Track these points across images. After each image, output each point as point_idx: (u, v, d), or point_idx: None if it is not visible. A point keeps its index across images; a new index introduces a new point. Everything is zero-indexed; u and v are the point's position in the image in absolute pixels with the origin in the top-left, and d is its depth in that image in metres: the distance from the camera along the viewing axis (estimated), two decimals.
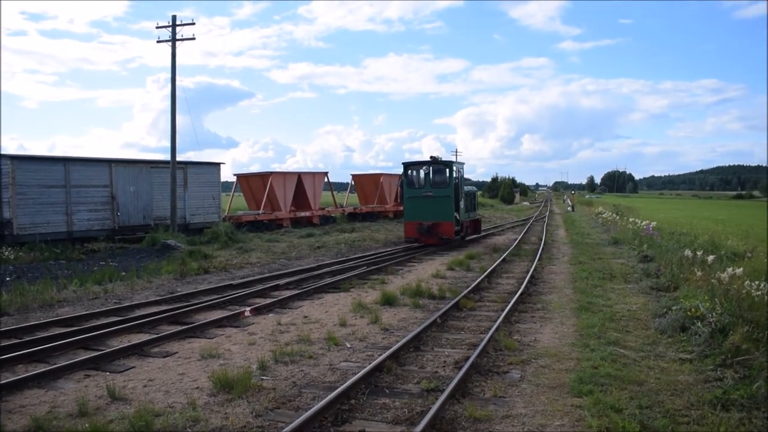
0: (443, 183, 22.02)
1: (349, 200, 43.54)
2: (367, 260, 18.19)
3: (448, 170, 22.05)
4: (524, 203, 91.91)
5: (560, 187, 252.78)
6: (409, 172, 22.43)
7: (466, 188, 24.33)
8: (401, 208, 42.14)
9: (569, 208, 60.94)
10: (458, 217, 22.46)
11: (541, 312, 11.06)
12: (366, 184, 41.78)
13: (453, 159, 23.61)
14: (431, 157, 22.38)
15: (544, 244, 22.97)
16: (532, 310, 11.26)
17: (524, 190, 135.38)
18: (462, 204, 22.83)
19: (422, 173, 22.29)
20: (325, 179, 36.24)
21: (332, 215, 35.75)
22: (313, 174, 35.09)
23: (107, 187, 23.02)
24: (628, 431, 5.78)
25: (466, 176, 24.55)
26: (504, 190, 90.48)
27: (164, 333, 9.46)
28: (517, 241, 24.48)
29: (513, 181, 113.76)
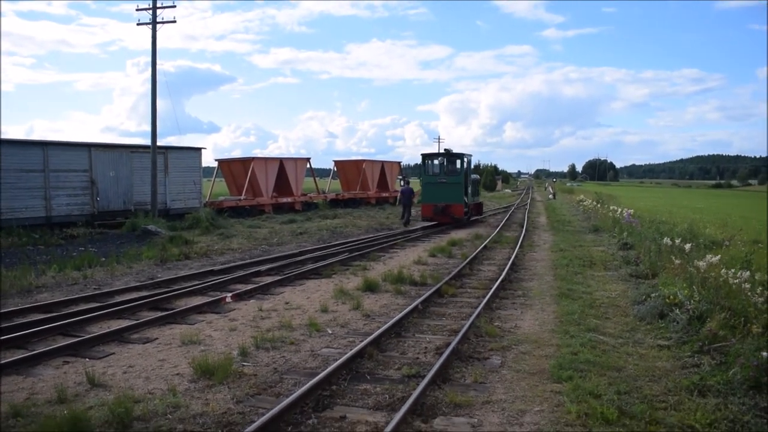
0: (455, 171, 25.48)
1: (332, 186, 43.46)
2: (349, 246, 18.21)
3: (459, 161, 25.55)
4: (506, 191, 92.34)
5: (542, 175, 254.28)
6: (427, 161, 26.02)
7: (472, 176, 27.69)
8: (384, 194, 42.42)
9: (551, 196, 61.35)
10: (466, 201, 25.92)
11: (522, 299, 11.13)
12: (349, 170, 41.68)
13: (464, 151, 26.49)
14: (445, 149, 26.57)
15: (525, 231, 23.13)
16: (513, 296, 11.33)
17: (506, 177, 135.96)
18: (469, 189, 26.41)
19: (438, 163, 25.88)
20: (308, 165, 36.09)
21: (314, 201, 35.68)
22: (296, 160, 34.91)
23: (87, 171, 22.70)
24: (606, 417, 5.85)
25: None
26: (486, 177, 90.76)
27: (144, 319, 9.38)
28: (498, 228, 24.67)
29: (495, 168, 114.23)
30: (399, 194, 30.27)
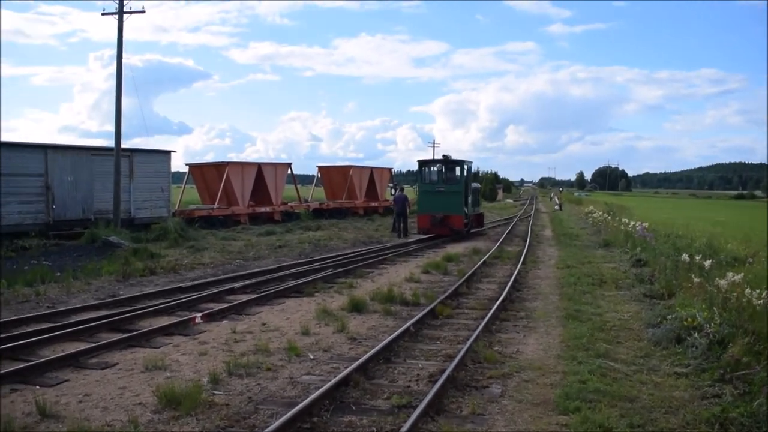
0: (454, 179, 26.25)
1: (315, 195, 43.48)
2: (334, 262, 18.22)
3: (458, 168, 26.32)
4: (507, 201, 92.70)
5: (547, 184, 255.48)
6: (424, 168, 26.84)
7: (473, 185, 28.37)
8: (373, 204, 42.47)
9: (557, 207, 61.62)
10: (467, 211, 26.59)
11: (525, 320, 11.15)
12: (334, 177, 41.77)
13: (462, 157, 27.22)
14: (444, 155, 27.23)
15: (528, 246, 23.26)
16: (515, 318, 11.35)
17: (508, 186, 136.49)
18: (470, 199, 27.04)
19: (435, 170, 26.62)
20: (288, 171, 36.09)
21: (296, 211, 35.66)
22: (275, 165, 34.88)
23: (42, 176, 22.54)
24: None
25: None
26: (486, 185, 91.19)
27: (103, 342, 9.28)
28: (499, 242, 24.79)
29: (495, 176, 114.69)
30: (392, 203, 30.32)
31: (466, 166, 26.70)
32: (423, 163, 27.06)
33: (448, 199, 25.87)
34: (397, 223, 28.39)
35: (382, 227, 32.29)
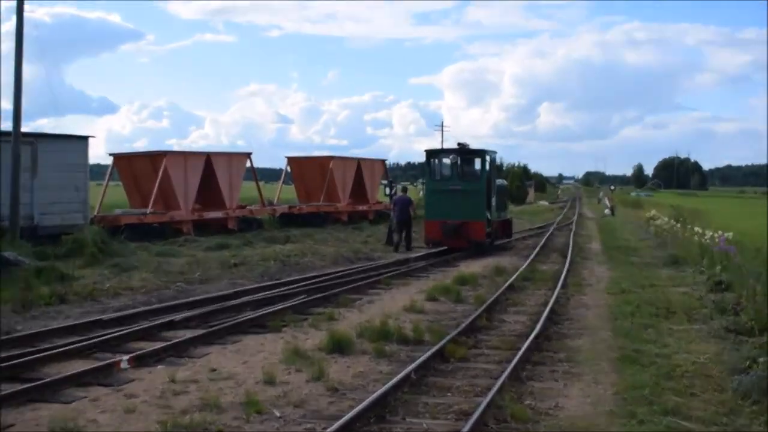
0: (473, 175, 27.02)
1: (283, 195, 43.48)
2: (308, 285, 18.25)
3: (479, 160, 26.99)
4: (541, 203, 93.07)
5: (594, 181, 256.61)
6: (433, 161, 27.58)
7: (497, 182, 28.88)
8: (361, 207, 42.49)
9: (607, 211, 61.84)
10: (489, 217, 27.13)
11: (566, 364, 11.16)
12: (308, 171, 41.96)
13: (482, 146, 28.20)
14: (459, 144, 27.62)
15: (570, 264, 23.41)
16: (553, 361, 11.35)
17: (541, 183, 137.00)
18: (493, 201, 27.55)
19: (449, 162, 27.29)
20: (248, 163, 36.07)
21: (257, 217, 35.62)
22: (230, 156, 34.85)
23: None
24: None
25: None
26: (512, 183, 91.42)
27: None
28: (531, 258, 24.95)
29: (525, 170, 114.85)
30: (391, 206, 30.44)
31: (488, 158, 27.08)
32: (432, 154, 27.62)
33: (466, 201, 26.29)
34: (398, 233, 28.59)
35: (373, 238, 32.37)
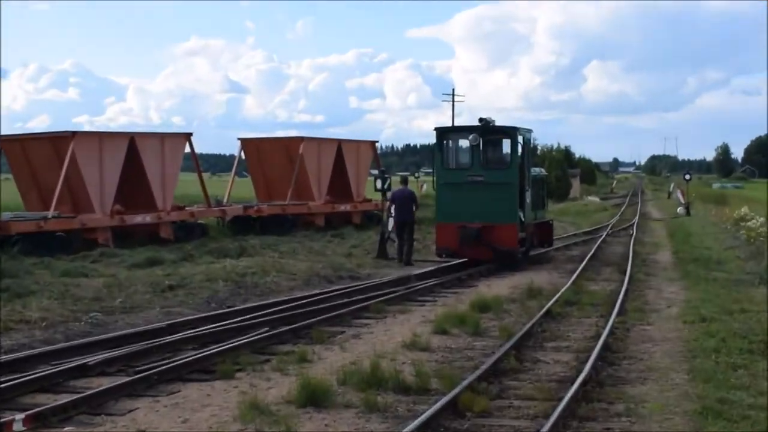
0: (501, 162, 27.53)
1: (237, 192, 43.37)
2: (272, 314, 18.17)
3: (509, 141, 27.25)
4: (590, 199, 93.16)
5: (662, 168, 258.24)
6: (446, 142, 27.94)
7: (534, 171, 29.88)
8: (343, 207, 42.33)
9: (680, 210, 61.69)
10: (523, 218, 27.57)
11: (626, 420, 11.09)
12: (271, 159, 42.07)
13: (517, 125, 27.81)
14: (480, 119, 27.39)
15: (630, 282, 23.44)
16: (607, 416, 11.29)
17: (590, 172, 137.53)
18: (528, 196, 28.04)
19: (468, 145, 27.40)
20: (186, 148, 35.80)
21: (199, 222, 35.43)
22: (162, 138, 34.54)
23: None
24: None
25: None
26: (550, 172, 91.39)
27: None
28: (576, 274, 25.03)
29: (567, 155, 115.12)
30: (385, 203, 30.42)
31: (521, 138, 27.39)
32: (445, 134, 28.03)
33: (491, 197, 26.56)
34: (399, 238, 28.81)
35: (359, 250, 32.41)
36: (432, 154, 28.56)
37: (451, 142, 27.82)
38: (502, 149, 27.29)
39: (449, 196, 27.26)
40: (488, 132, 27.21)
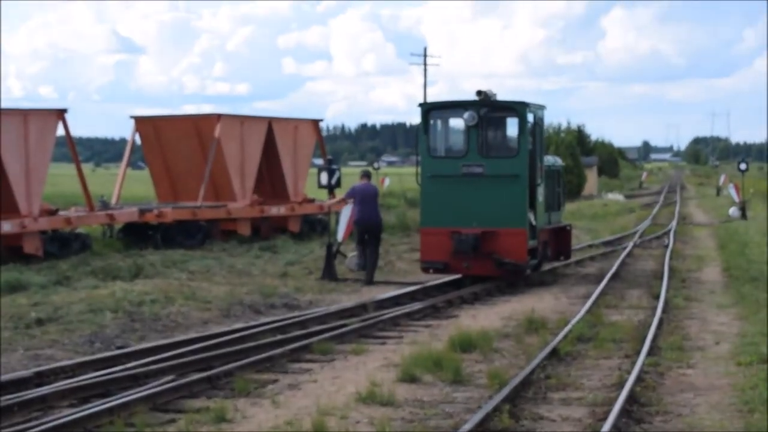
0: (506, 148, 28.63)
1: (131, 189, 43.11)
2: (178, 357, 18.13)
3: (517, 119, 28.06)
4: (611, 196, 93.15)
5: (707, 154, 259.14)
6: (434, 122, 28.96)
7: (548, 161, 30.97)
8: (277, 209, 42.24)
9: (734, 210, 61.69)
10: (534, 222, 28.26)
11: None
12: (174, 143, 42.17)
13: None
14: (479, 92, 27.95)
15: (665, 308, 23.49)
16: None
17: (611, 160, 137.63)
18: (540, 193, 28.93)
19: (463, 126, 28.07)
20: (60, 129, 35.61)
21: (78, 231, 35.16)
22: (24, 115, 34.32)
23: None
24: None
25: None
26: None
27: None
28: (593, 297, 25.07)
29: (580, 136, 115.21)
30: (340, 202, 31.13)
31: (532, 117, 28.08)
32: (432, 111, 28.90)
33: (494, 195, 27.37)
34: (362, 246, 29.27)
35: (298, 268, 32.39)
36: (415, 139, 29.00)
37: (440, 122, 28.28)
38: (506, 131, 27.91)
39: (438, 194, 27.81)
40: (489, 109, 27.79)
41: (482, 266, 26.89)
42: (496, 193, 27.01)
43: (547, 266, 30.34)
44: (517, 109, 27.52)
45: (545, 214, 29.31)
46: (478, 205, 27.03)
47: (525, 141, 27.38)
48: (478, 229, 26.85)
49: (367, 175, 31.08)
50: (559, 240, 31.83)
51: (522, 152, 27.29)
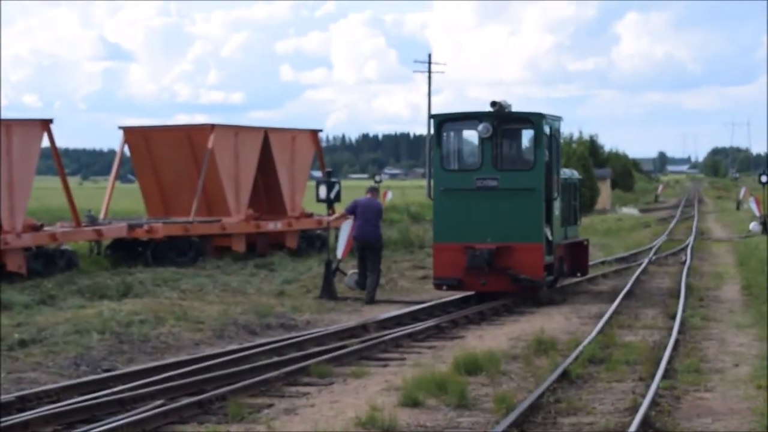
0: (522, 160, 29.41)
1: (119, 203, 43.07)
2: (169, 380, 18.05)
3: (533, 131, 28.72)
4: (625, 210, 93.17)
5: (728, 166, 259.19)
6: (447, 134, 29.67)
7: (564, 173, 31.93)
8: (273, 225, 42.17)
9: (754, 226, 61.53)
10: (551, 237, 29.07)
11: None
12: (166, 155, 42.26)
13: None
14: (493, 103, 28.51)
15: (681, 329, 23.51)
16: None
17: (625, 172, 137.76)
18: (557, 207, 29.69)
19: (478, 138, 28.73)
20: (43, 140, 35.59)
21: (64, 248, 35.13)
22: (7, 126, 34.28)
23: None
24: None
25: None
26: None
27: None
28: (606, 317, 25.13)
29: (592, 146, 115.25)
30: (339, 218, 31.32)
31: (548, 129, 28.91)
32: (446, 123, 29.52)
33: (509, 209, 28.19)
34: (362, 264, 29.43)
35: (296, 287, 32.37)
36: (427, 151, 29.89)
37: (453, 134, 28.74)
38: (521, 144, 28.43)
39: (451, 208, 28.43)
40: (504, 120, 28.37)
41: (497, 282, 27.34)
42: (511, 207, 27.67)
43: (563, 283, 30.67)
44: (533, 120, 28.06)
45: (561, 228, 29.89)
46: (492, 219, 27.63)
47: (541, 153, 27.93)
48: (492, 244, 27.42)
49: (372, 190, 31.16)
50: (576, 255, 32.28)
51: (538, 165, 27.79)
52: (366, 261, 29.21)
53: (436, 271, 28.37)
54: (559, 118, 30.43)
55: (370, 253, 29.11)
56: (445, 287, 28.33)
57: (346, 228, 30.73)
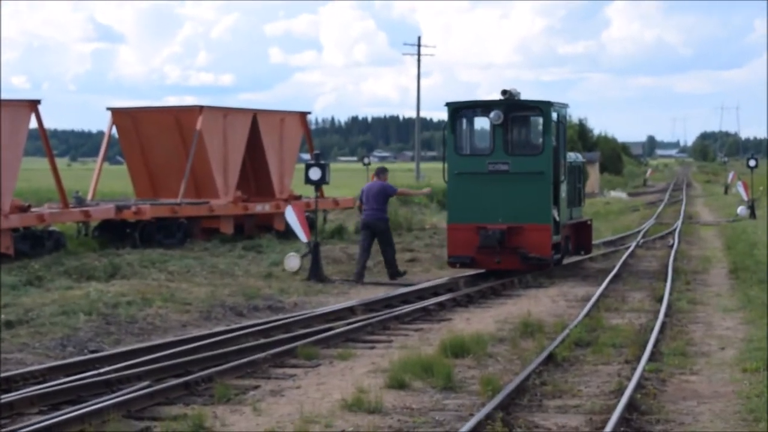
0: (531, 146, 31.03)
1: (107, 185, 43.01)
2: (155, 361, 18.11)
3: (542, 119, 30.31)
4: (613, 194, 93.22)
5: (716, 150, 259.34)
6: (460, 121, 31.03)
7: (570, 157, 33.54)
8: (261, 208, 42.12)
9: (742, 210, 61.54)
10: (558, 218, 30.67)
11: None
12: (154, 136, 42.03)
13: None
14: (504, 92, 30.08)
15: (668, 311, 23.65)
16: None
17: (614, 156, 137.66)
18: (564, 190, 31.31)
19: (488, 125, 30.33)
20: (31, 121, 35.50)
21: (51, 228, 35.06)
22: None
23: None
24: None
25: None
26: None
27: None
28: (594, 298, 25.30)
29: (581, 130, 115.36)
30: (358, 200, 31.96)
31: (556, 116, 30.53)
32: (459, 111, 30.93)
33: (519, 191, 29.79)
34: (364, 251, 29.95)
35: (283, 268, 32.27)
36: (445, 137, 30.72)
37: (466, 121, 29.74)
38: (530, 130, 29.65)
39: (465, 190, 29.95)
40: (514, 108, 30.09)
41: (507, 261, 28.85)
42: (521, 189, 29.26)
43: (570, 260, 32.13)
44: (542, 108, 29.47)
45: (567, 209, 31.24)
46: (503, 201, 29.14)
47: (549, 139, 29.50)
48: (503, 224, 28.96)
49: (378, 173, 31.33)
50: (580, 234, 34.29)
51: (546, 150, 29.47)
52: (368, 247, 29.99)
53: (451, 250, 29.84)
54: (565, 105, 31.85)
55: (378, 235, 29.86)
56: (458, 265, 29.69)
57: (289, 213, 31.81)
